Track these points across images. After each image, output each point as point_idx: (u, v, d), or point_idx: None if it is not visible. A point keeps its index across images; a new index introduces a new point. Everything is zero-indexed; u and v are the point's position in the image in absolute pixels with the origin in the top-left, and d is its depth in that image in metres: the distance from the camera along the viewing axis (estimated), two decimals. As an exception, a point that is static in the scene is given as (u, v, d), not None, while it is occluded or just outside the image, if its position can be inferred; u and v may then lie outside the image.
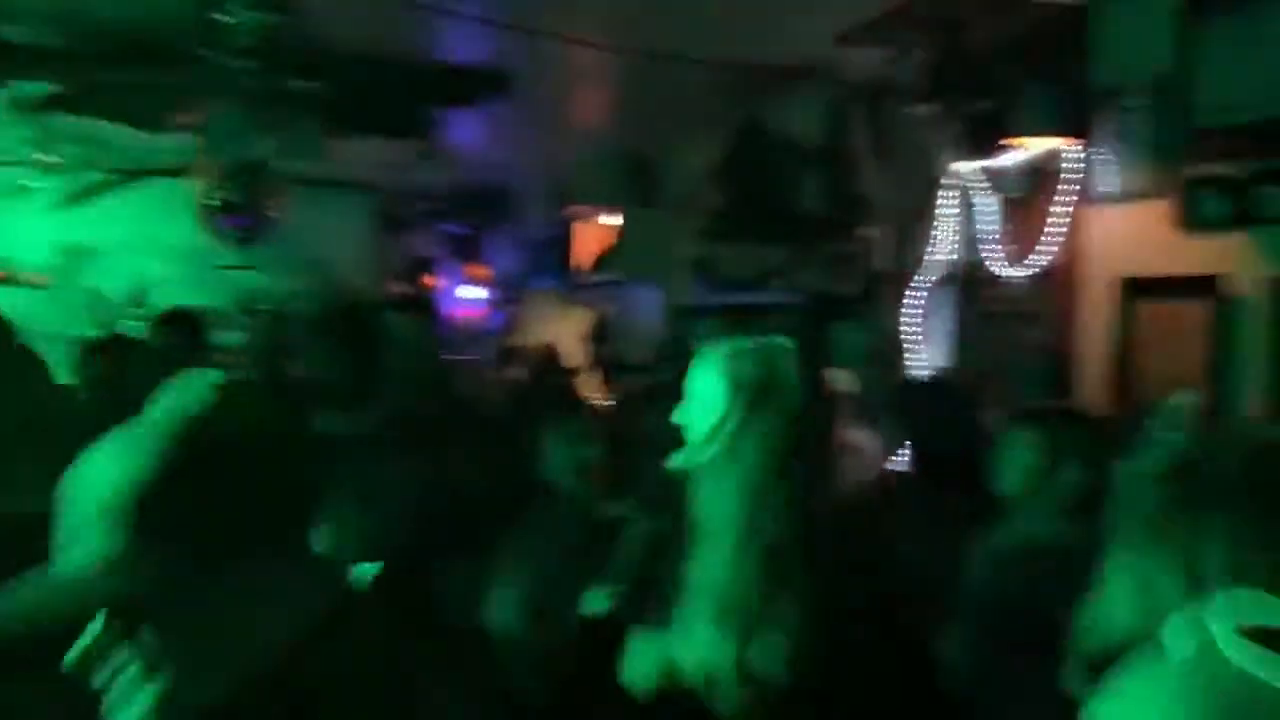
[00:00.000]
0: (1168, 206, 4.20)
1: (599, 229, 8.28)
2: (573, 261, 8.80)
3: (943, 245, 5.19)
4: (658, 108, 6.39)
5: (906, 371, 5.21)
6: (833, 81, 5.64)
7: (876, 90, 5.49)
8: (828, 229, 5.87)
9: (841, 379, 4.97)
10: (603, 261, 8.21)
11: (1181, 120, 4.20)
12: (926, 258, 5.24)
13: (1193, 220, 4.11)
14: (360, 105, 5.55)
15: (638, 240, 7.32)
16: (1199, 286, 4.21)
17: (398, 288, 9.24)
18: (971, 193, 5.06)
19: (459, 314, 9.93)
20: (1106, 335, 4.59)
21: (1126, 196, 4.48)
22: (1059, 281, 4.77)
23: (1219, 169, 4.00)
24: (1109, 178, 4.56)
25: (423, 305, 6.70)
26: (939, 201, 5.15)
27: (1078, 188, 4.64)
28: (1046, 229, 4.73)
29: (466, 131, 6.70)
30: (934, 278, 5.24)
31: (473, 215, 9.83)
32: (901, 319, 5.29)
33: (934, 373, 5.08)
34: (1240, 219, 3.97)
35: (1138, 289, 4.48)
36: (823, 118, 5.86)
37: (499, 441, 3.18)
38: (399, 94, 5.62)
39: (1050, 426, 2.29)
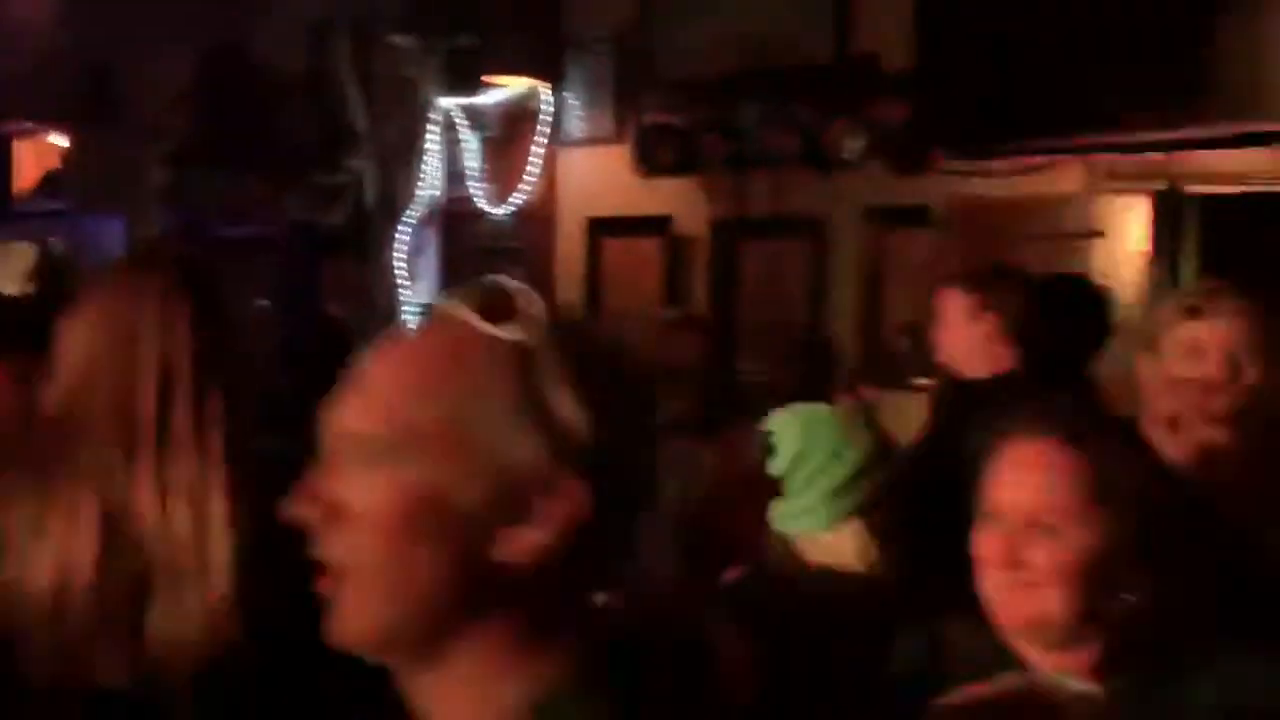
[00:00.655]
0: (626, 151, 4.57)
1: (44, 148, 7.27)
2: (12, 186, 7.65)
3: (429, 181, 5.21)
4: (120, 14, 5.70)
5: (398, 306, 5.18)
6: (317, 4, 5.39)
7: (360, 17, 5.34)
8: (312, 159, 5.63)
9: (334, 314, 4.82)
10: (49, 186, 7.23)
11: (639, 71, 4.60)
12: (416, 193, 5.23)
13: (647, 165, 4.52)
14: None
15: (93, 163, 6.51)
16: (653, 225, 4.67)
17: None
18: (455, 129, 5.13)
19: None
20: (577, 271, 4.92)
21: (591, 140, 4.81)
22: (536, 220, 5.01)
23: (671, 118, 4.44)
24: (577, 122, 4.86)
25: None
26: (425, 137, 5.15)
27: (550, 130, 4.89)
28: (524, 169, 4.94)
29: None
30: (422, 213, 5.25)
31: None
32: (393, 254, 5.23)
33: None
34: (687, 165, 4.45)
35: (601, 228, 4.86)
36: (305, 42, 5.60)
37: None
38: None
39: None
